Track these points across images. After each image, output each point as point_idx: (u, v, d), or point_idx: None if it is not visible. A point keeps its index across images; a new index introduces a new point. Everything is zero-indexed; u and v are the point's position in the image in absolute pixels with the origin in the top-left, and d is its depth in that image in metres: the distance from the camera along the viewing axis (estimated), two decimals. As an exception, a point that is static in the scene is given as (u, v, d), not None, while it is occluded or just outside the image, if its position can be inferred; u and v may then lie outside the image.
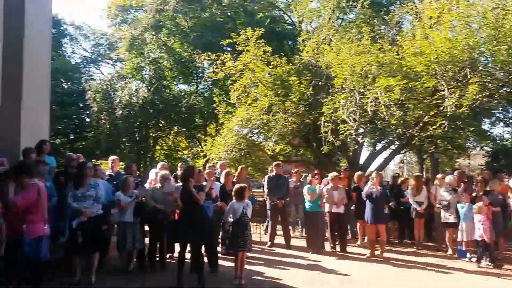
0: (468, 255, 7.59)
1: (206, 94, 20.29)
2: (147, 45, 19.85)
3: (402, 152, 15.75)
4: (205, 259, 6.07)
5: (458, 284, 6.28)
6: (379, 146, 13.65)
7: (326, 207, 8.33)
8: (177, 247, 7.38)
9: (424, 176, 13.55)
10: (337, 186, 8.35)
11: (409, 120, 9.34)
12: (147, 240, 6.78)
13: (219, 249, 7.27)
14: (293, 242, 8.85)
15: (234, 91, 12.12)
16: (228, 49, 15.18)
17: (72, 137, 22.84)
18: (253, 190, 11.20)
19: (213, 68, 12.82)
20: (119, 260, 6.65)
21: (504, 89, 9.37)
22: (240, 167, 8.90)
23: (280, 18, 20.49)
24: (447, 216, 8.02)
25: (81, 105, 21.54)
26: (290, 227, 9.57)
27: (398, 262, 7.48)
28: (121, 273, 6.32)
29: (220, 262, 6.67)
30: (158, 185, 6.79)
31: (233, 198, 6.01)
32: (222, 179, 7.97)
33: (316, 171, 9.28)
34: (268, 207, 9.05)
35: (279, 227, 8.97)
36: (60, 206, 6.07)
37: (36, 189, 4.56)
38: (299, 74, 11.69)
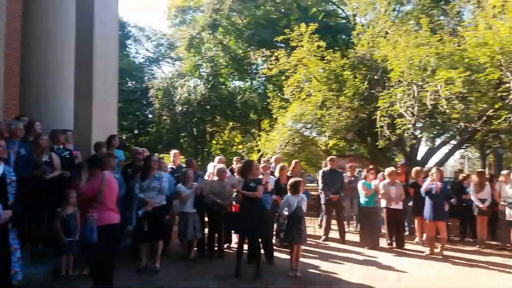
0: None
1: (260, 90, 20.63)
2: (204, 44, 20.56)
3: (463, 147, 15.02)
4: (262, 251, 6.21)
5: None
6: (438, 141, 13.13)
7: (383, 203, 8.23)
8: (234, 238, 7.74)
9: (487, 173, 12.85)
10: (395, 182, 8.20)
11: (471, 114, 8.94)
12: (206, 231, 7.11)
13: (273, 241, 7.45)
14: (348, 237, 8.84)
15: (287, 86, 12.23)
16: (282, 45, 15.32)
17: (136, 132, 24.26)
18: (307, 184, 11.27)
19: (267, 64, 13.02)
20: (181, 248, 7.07)
21: None
22: (294, 161, 8.99)
23: (334, 12, 20.29)
24: (512, 214, 7.63)
25: (144, 102, 22.73)
26: (345, 222, 9.56)
27: (459, 260, 7.23)
28: (183, 261, 6.68)
29: (276, 254, 6.81)
30: (215, 178, 7.10)
31: (288, 191, 6.11)
32: (276, 173, 8.12)
33: (371, 166, 9.17)
34: (322, 201, 9.08)
35: (333, 221, 9.00)
36: (127, 197, 6.59)
37: (99, 179, 4.63)
38: (354, 68, 11.56)
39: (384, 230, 8.42)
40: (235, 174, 7.72)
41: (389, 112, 10.06)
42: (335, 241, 8.60)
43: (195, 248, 6.97)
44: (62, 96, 7.07)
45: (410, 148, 12.85)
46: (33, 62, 6.98)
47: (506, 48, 8.43)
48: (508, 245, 8.03)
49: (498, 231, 8.87)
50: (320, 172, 9.55)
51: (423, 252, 7.70)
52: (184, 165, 7.83)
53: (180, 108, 19.30)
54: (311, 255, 7.32)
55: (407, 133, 10.30)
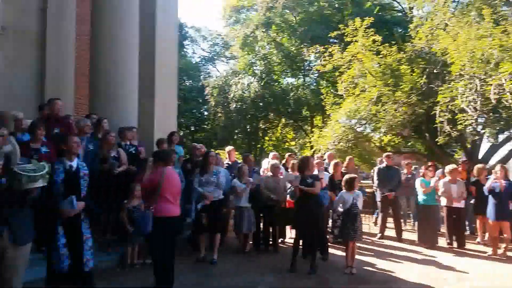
0: None
1: (312, 87, 20.55)
2: (258, 42, 20.81)
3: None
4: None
5: None
6: (501, 137, 12.37)
7: (443, 201, 7.96)
8: (288, 233, 7.86)
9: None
10: (456, 180, 7.90)
11: (538, 108, 8.39)
12: (261, 225, 7.27)
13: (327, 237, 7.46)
14: (404, 235, 8.64)
15: (341, 82, 12.11)
16: (335, 41, 15.13)
17: (193, 129, 25.21)
18: (361, 181, 11.11)
19: (321, 60, 12.97)
20: (237, 241, 7.31)
21: None
22: (348, 157, 8.92)
23: (389, 6, 19.68)
24: None
25: (200, 100, 23.50)
26: (401, 220, 9.34)
27: (525, 262, 6.85)
28: (239, 253, 6.90)
29: (331, 251, 6.82)
30: (270, 173, 7.24)
31: (343, 188, 6.07)
32: (330, 169, 8.10)
33: (430, 163, 8.89)
34: (378, 198, 8.95)
35: (389, 219, 8.83)
36: (186, 190, 6.90)
37: (159, 173, 4.71)
38: (411, 63, 11.21)
39: (443, 229, 8.13)
40: (288, 170, 7.82)
41: (449, 107, 9.67)
42: (391, 239, 8.45)
43: (251, 242, 7.16)
44: (128, 95, 7.53)
45: (471, 144, 12.24)
46: (101, 63, 7.46)
47: None
48: None
49: None
50: (376, 168, 9.40)
51: (485, 252, 7.38)
52: (239, 161, 8.04)
53: (234, 106, 19.74)
54: (366, 252, 7.26)
55: (469, 129, 9.84)
